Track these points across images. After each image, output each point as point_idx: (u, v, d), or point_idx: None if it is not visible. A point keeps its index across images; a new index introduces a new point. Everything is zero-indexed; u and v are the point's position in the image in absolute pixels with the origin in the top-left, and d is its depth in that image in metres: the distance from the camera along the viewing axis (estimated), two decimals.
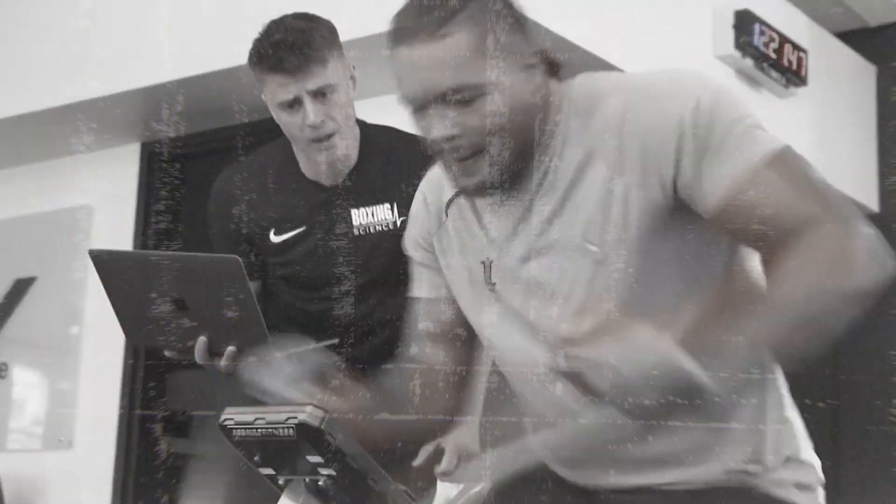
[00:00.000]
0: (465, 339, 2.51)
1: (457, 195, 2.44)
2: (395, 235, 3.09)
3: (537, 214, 2.30)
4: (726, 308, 2.09)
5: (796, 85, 6.29)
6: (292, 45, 3.17)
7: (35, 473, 6.48)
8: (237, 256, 2.94)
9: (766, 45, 6.05)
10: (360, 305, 3.31)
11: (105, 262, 3.05)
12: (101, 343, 6.47)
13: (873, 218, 6.69)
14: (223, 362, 2.97)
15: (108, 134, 6.35)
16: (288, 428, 1.84)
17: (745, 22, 5.94)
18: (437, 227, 2.50)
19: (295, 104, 3.19)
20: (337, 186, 3.33)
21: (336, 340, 3.13)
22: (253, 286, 3.10)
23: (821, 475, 2.38)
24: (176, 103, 5.91)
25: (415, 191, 2.73)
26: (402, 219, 3.22)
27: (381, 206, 3.28)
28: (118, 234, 6.47)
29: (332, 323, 3.27)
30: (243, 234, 3.39)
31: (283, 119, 3.24)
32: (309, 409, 1.84)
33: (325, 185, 3.34)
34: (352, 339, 3.25)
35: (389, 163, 3.34)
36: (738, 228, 2.13)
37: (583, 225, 2.23)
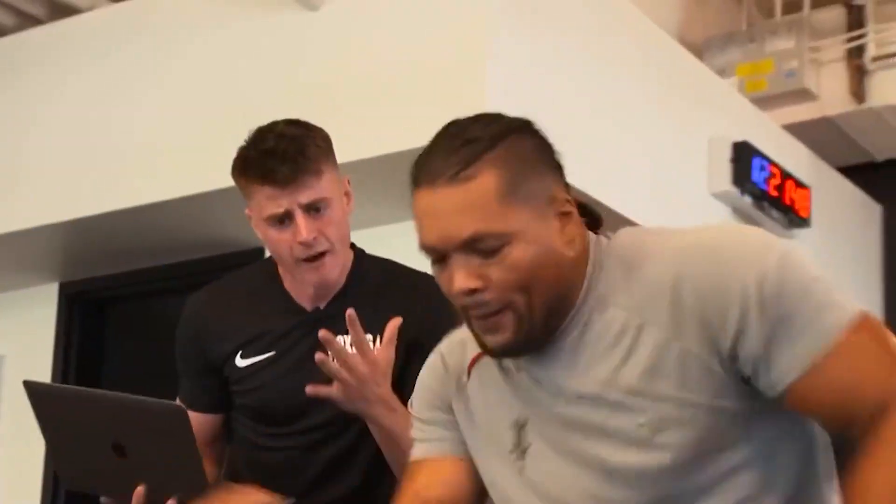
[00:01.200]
0: None
1: (481, 355, 2.27)
2: None
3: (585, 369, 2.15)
4: None
5: (799, 226, 5.92)
6: (284, 154, 2.94)
7: None
8: (182, 406, 2.85)
9: (767, 180, 5.66)
10: (329, 447, 3.09)
11: (42, 397, 2.96)
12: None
13: None
14: None
15: (23, 273, 6.08)
16: None
17: (743, 155, 5.55)
18: (457, 391, 2.35)
19: (285, 219, 2.95)
20: (318, 311, 3.10)
21: (293, 500, 2.91)
22: (214, 419, 3.17)
23: None
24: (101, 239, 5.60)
25: (405, 328, 2.81)
26: None
27: (365, 337, 2.93)
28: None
29: (298, 465, 3.10)
30: (207, 360, 3.17)
31: (270, 235, 3.02)
32: None
33: (306, 308, 3.11)
34: (321, 491, 3.07)
35: (378, 295, 3.10)
36: (811, 407, 2.03)
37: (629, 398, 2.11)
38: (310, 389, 2.85)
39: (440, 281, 2.13)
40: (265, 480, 3.07)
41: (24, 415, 5.69)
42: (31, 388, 2.95)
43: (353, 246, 3.19)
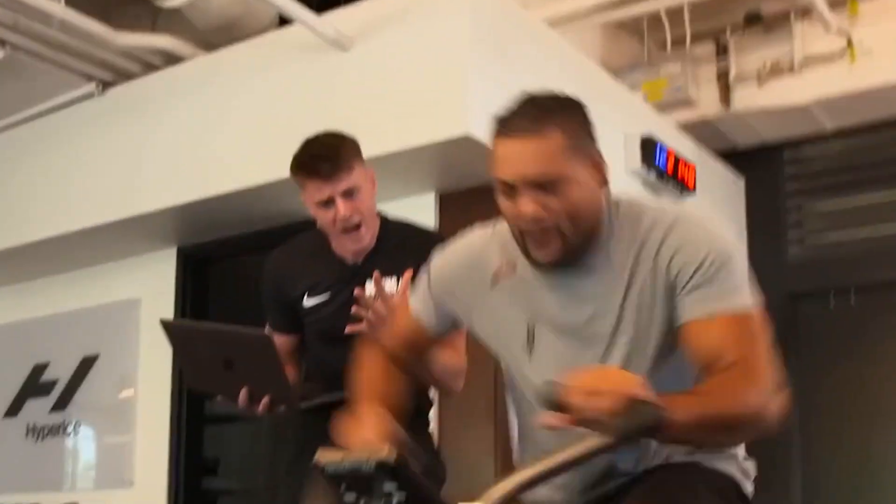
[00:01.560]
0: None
1: (503, 268, 2.29)
2: None
3: (588, 300, 2.19)
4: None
5: (687, 193, 5.77)
6: (326, 158, 3.05)
7: None
8: (268, 335, 2.96)
9: (665, 162, 5.57)
10: None
11: (174, 329, 3.07)
12: (152, 404, 5.97)
13: None
14: (259, 409, 2.95)
15: (151, 241, 5.88)
16: (369, 465, 1.84)
17: (649, 145, 5.46)
18: (482, 291, 2.32)
19: (329, 203, 3.05)
20: (357, 264, 3.16)
21: (343, 393, 2.82)
22: (293, 338, 3.25)
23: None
24: (205, 216, 5.48)
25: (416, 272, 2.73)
26: None
27: (390, 279, 3.04)
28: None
29: (345, 369, 2.95)
30: (284, 299, 3.24)
31: (319, 214, 3.10)
32: (386, 448, 1.85)
33: (349, 263, 3.17)
34: None
35: (399, 249, 3.13)
36: (691, 343, 2.08)
37: (623, 319, 2.17)
38: (348, 329, 2.91)
39: (507, 208, 2.12)
40: (328, 379, 3.14)
41: (158, 346, 5.63)
42: (166, 324, 3.05)
43: (378, 214, 3.22)
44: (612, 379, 1.84)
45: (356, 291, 2.91)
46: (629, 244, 2.15)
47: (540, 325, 2.22)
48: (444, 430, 4.57)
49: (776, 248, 6.49)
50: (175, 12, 5.35)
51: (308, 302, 3.19)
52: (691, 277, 2.07)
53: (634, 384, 1.82)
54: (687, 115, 6.25)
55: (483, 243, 2.34)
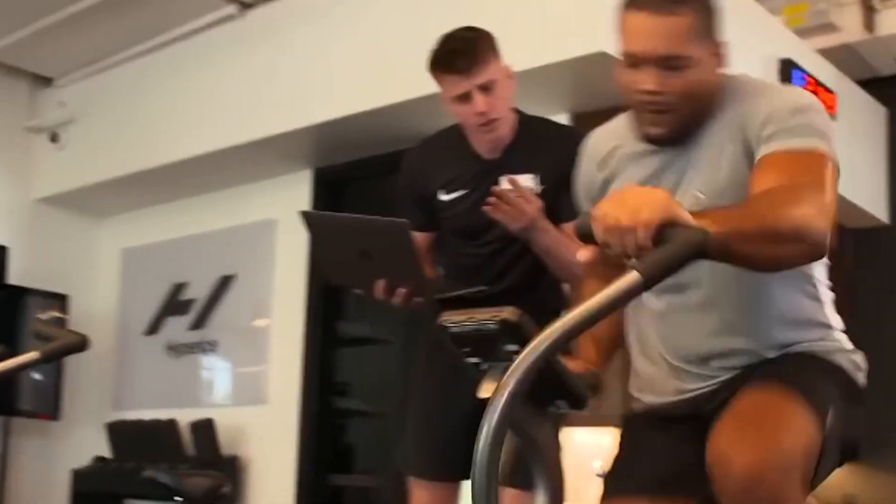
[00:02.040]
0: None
1: (615, 149, 2.33)
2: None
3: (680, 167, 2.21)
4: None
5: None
6: (463, 52, 3.02)
7: (238, 423, 6.10)
8: (406, 221, 2.85)
9: (804, 87, 5.39)
10: (503, 254, 3.12)
11: (313, 221, 2.98)
12: (286, 325, 6.11)
13: (884, 229, 6.32)
14: (396, 300, 2.89)
15: (287, 162, 5.99)
16: (493, 323, 1.82)
17: (787, 68, 5.35)
18: (599, 175, 2.37)
19: (466, 97, 3.01)
20: (494, 160, 3.12)
21: (484, 287, 2.83)
22: (429, 236, 3.22)
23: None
24: (339, 137, 5.55)
25: (553, 168, 2.94)
26: (542, 187, 3.04)
27: (527, 176, 3.03)
28: (297, 241, 5.91)
29: (483, 266, 3.14)
30: (421, 195, 3.23)
31: (457, 109, 3.07)
32: (508, 309, 1.82)
33: (486, 158, 3.13)
34: (497, 283, 3.07)
35: (536, 144, 3.11)
36: (762, 172, 2.05)
37: (703, 176, 2.18)
38: (489, 209, 2.92)
39: (630, 80, 2.14)
40: (463, 276, 3.13)
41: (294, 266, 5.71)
42: (306, 216, 2.98)
43: (516, 110, 3.17)
44: (639, 204, 1.75)
45: (493, 189, 2.92)
46: (728, 120, 2.17)
47: None
48: None
49: None
50: None
51: (445, 197, 3.17)
52: (764, 126, 2.09)
53: (664, 206, 1.74)
54: (829, 40, 6.06)
55: (597, 135, 2.42)
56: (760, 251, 1.86)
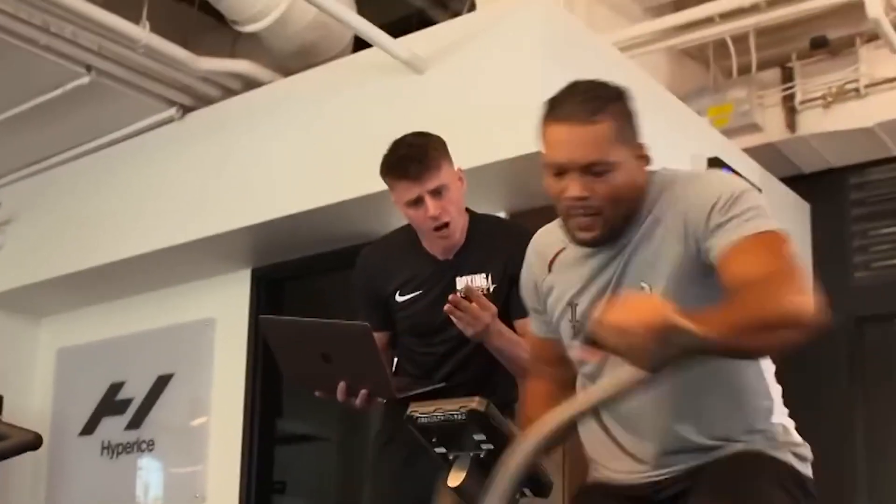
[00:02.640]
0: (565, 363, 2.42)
1: (559, 253, 2.43)
2: (488, 297, 3.11)
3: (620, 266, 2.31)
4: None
5: None
6: (414, 158, 3.12)
7: None
8: (367, 324, 2.94)
9: None
10: (457, 352, 3.20)
11: (272, 325, 3.10)
12: (225, 423, 6.10)
13: None
14: (357, 402, 2.97)
15: (226, 262, 6.01)
16: (461, 414, 1.90)
17: (715, 167, 5.45)
18: (543, 277, 2.46)
19: (418, 202, 3.12)
20: (448, 261, 3.23)
21: (444, 384, 3.09)
22: (384, 335, 3.26)
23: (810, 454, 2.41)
24: (279, 237, 5.58)
25: (504, 267, 3.10)
26: (494, 285, 3.17)
27: (479, 275, 3.17)
28: (236, 340, 6.11)
29: (438, 363, 3.23)
30: (377, 295, 3.31)
31: (409, 214, 3.17)
32: (476, 399, 1.91)
33: (439, 259, 3.24)
34: (452, 379, 3.18)
35: (487, 245, 3.23)
36: (725, 267, 2.12)
37: (643, 270, 2.27)
38: (448, 303, 3.02)
39: (555, 188, 2.24)
40: (418, 372, 3.24)
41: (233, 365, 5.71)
42: (264, 322, 3.11)
43: (467, 210, 3.29)
44: (641, 309, 1.87)
45: (450, 298, 3.00)
46: (663, 214, 2.27)
47: (581, 303, 2.35)
48: None
49: (842, 272, 6.49)
50: (254, 37, 5.50)
51: (401, 297, 3.25)
52: (708, 219, 2.17)
53: (663, 312, 1.85)
54: (753, 139, 6.30)
55: (541, 236, 2.54)
56: (755, 342, 1.98)
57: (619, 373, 1.86)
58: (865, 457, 6.16)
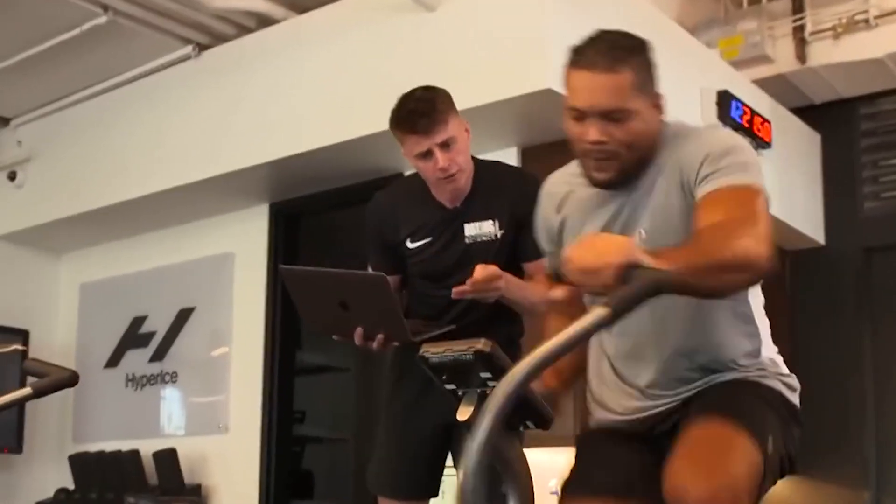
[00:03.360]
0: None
1: (568, 194, 2.54)
2: (496, 242, 3.28)
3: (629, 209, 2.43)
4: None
5: (763, 147, 5.83)
6: (422, 113, 3.19)
7: (200, 452, 6.22)
8: (382, 274, 3.06)
9: (741, 117, 5.66)
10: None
11: (291, 275, 3.21)
12: (245, 355, 6.24)
13: (819, 249, 6.54)
14: (375, 346, 3.09)
15: (244, 197, 6.13)
16: (468, 354, 2.04)
17: (725, 100, 5.57)
18: (555, 217, 2.58)
19: (427, 154, 3.21)
20: (456, 208, 3.33)
21: (454, 327, 3.17)
22: (396, 279, 3.33)
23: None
24: (295, 172, 5.68)
25: (511, 212, 3.24)
26: (501, 231, 3.29)
27: (487, 222, 3.29)
28: (255, 274, 6.25)
29: (449, 305, 3.28)
30: (388, 242, 3.40)
31: (419, 165, 3.27)
32: (482, 341, 2.03)
33: (448, 207, 3.34)
34: (463, 320, 3.26)
35: (493, 191, 3.32)
36: (702, 209, 2.25)
37: (644, 217, 2.40)
38: (454, 294, 3.13)
39: (575, 132, 2.36)
40: (429, 314, 3.33)
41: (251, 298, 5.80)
42: (285, 270, 3.23)
43: (473, 157, 3.37)
44: (606, 249, 1.98)
45: (459, 289, 3.12)
46: (666, 165, 2.37)
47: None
48: None
49: (851, 203, 6.56)
50: None
51: (412, 244, 3.36)
52: (699, 171, 2.29)
53: (626, 250, 1.96)
54: (763, 71, 6.31)
55: (553, 180, 2.64)
56: (710, 282, 2.10)
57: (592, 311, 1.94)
58: (873, 388, 6.26)
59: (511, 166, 3.59)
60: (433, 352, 2.09)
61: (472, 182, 3.32)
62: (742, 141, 2.39)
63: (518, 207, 3.16)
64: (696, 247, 2.11)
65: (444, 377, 2.10)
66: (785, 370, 2.51)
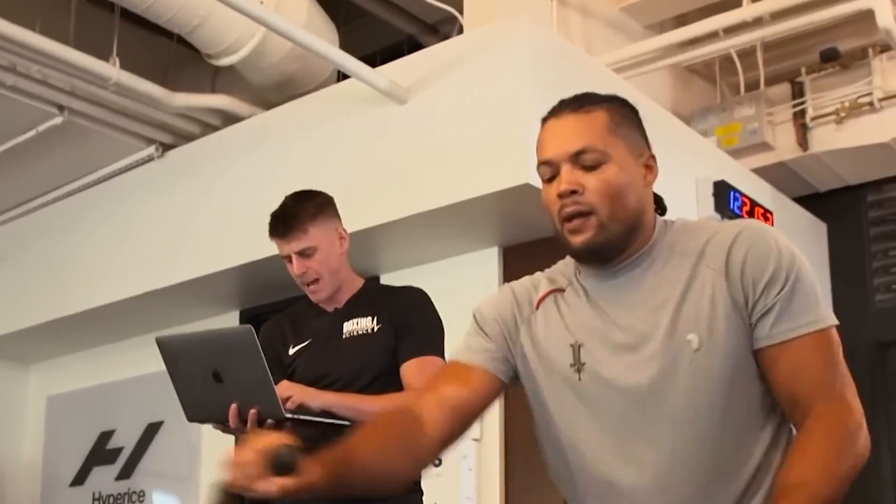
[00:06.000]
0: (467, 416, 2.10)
1: (549, 293, 2.13)
2: (371, 336, 3.19)
3: (650, 305, 2.00)
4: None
5: None
6: (282, 219, 3.24)
7: None
8: (249, 326, 2.91)
9: (740, 208, 5.35)
10: (351, 387, 3.15)
11: (167, 347, 3.00)
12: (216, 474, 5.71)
13: None
14: (248, 426, 2.88)
15: (214, 304, 5.76)
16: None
17: (722, 190, 5.26)
18: (526, 312, 2.13)
19: (288, 259, 3.25)
20: (337, 310, 3.31)
21: (346, 422, 2.98)
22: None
23: None
24: (267, 277, 5.30)
25: (390, 312, 3.17)
26: (379, 325, 3.21)
27: (366, 318, 3.23)
28: None
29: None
30: (277, 355, 3.28)
31: (288, 269, 3.29)
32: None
33: (328, 310, 3.32)
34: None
35: (375, 297, 3.31)
36: (772, 369, 1.94)
37: (691, 320, 1.96)
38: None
39: (548, 194, 2.02)
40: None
41: None
42: (159, 341, 2.99)
43: (365, 278, 3.42)
44: None
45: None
46: (685, 256, 2.01)
47: (588, 344, 2.04)
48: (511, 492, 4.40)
49: (862, 295, 6.25)
50: (234, 71, 5.31)
51: (292, 350, 3.29)
52: (766, 287, 1.93)
53: None
54: (763, 159, 6.07)
55: (532, 279, 2.20)
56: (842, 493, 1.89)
57: None
58: (892, 484, 5.91)
59: (397, 287, 3.49)
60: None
61: (357, 292, 3.31)
62: (797, 251, 2.00)
63: (399, 311, 3.18)
64: (823, 472, 1.87)
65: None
66: None
